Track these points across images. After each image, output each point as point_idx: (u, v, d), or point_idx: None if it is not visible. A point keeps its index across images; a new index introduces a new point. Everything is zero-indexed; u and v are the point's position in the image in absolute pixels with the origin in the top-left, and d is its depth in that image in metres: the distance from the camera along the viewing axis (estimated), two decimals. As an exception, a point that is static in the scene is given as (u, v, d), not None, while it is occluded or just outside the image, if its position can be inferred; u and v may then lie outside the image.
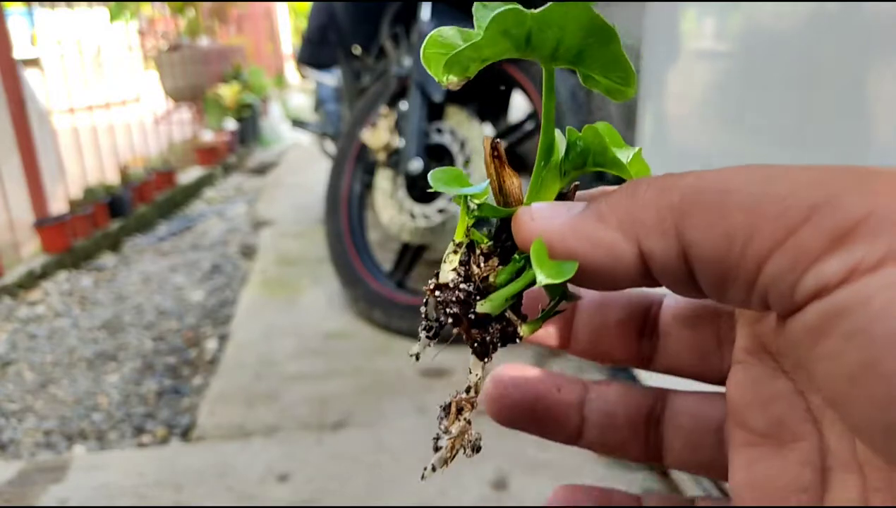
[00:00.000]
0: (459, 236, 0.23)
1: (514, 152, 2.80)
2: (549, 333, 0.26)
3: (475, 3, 0.22)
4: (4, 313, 2.29)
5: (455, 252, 0.23)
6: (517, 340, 0.24)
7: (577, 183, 0.24)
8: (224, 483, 1.32)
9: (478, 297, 0.23)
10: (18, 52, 2.76)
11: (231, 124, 4.91)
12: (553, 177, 0.23)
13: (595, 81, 0.22)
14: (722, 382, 0.24)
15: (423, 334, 0.25)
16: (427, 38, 0.22)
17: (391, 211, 2.03)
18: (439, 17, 1.91)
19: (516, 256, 0.23)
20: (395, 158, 1.99)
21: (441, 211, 1.91)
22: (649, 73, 1.20)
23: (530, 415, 0.26)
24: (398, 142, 1.96)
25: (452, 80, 0.22)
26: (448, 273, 0.23)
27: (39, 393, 1.80)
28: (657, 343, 0.26)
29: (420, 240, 2.00)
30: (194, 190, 3.93)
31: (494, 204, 0.24)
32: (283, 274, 2.47)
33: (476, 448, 0.24)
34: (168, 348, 2.03)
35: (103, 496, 1.31)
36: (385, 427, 1.47)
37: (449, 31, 0.23)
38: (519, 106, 3.12)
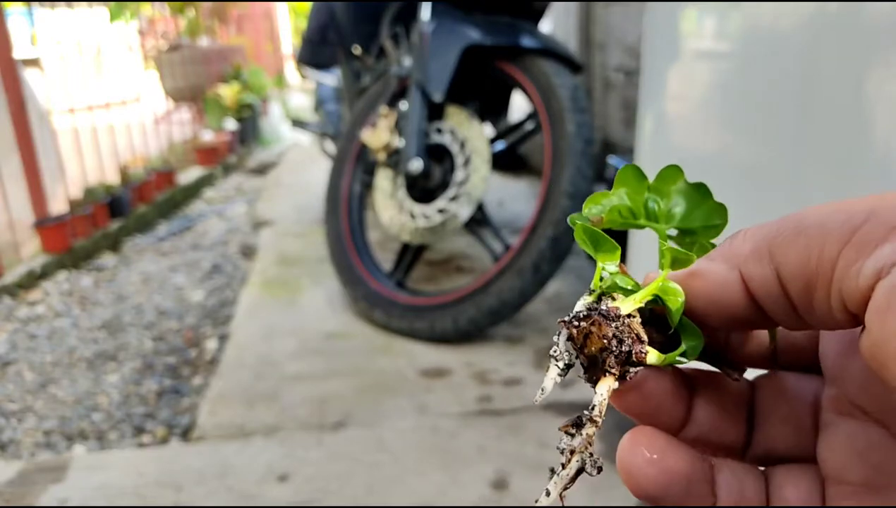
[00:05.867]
0: (595, 285, 0.25)
1: (515, 152, 2.79)
2: (664, 409, 0.25)
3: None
4: (4, 313, 2.29)
5: (590, 293, 0.25)
6: (642, 363, 0.24)
7: None
8: (224, 483, 1.32)
9: (609, 303, 0.24)
10: (18, 52, 2.76)
11: (231, 124, 4.91)
12: None
13: (694, 236, 0.26)
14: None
15: (552, 364, 0.25)
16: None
17: (391, 211, 2.03)
18: (439, 17, 1.90)
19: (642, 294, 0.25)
20: (395, 158, 1.99)
21: (441, 211, 1.91)
22: (649, 74, 1.20)
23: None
24: (398, 142, 1.96)
25: (594, 211, 0.26)
26: (581, 305, 0.25)
27: (39, 393, 1.80)
28: (753, 426, 0.26)
29: (420, 240, 2.00)
30: (194, 190, 3.93)
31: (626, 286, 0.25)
32: (283, 274, 2.47)
33: (598, 469, 0.24)
34: (168, 348, 2.03)
35: (103, 496, 1.31)
36: (385, 427, 1.47)
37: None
38: (519, 106, 3.12)
